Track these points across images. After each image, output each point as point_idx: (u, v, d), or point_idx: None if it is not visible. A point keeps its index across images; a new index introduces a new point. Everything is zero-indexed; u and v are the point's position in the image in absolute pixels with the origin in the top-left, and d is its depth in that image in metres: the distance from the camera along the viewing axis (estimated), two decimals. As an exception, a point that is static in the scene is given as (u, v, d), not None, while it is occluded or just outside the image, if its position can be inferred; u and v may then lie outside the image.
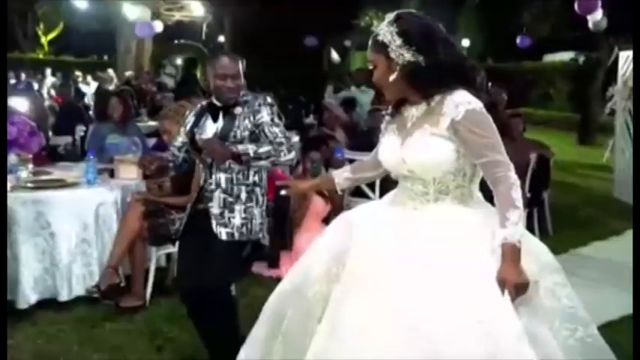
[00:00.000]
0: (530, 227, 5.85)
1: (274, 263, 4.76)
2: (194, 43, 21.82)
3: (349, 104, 7.35)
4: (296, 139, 6.60)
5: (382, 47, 2.10)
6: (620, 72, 8.04)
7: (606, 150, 12.03)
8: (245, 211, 3.07)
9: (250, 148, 2.93)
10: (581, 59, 17.55)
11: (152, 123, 7.14)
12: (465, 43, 19.34)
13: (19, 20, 26.35)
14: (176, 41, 22.72)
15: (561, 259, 5.32)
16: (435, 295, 1.92)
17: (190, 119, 3.20)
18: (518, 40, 16.11)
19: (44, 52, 28.61)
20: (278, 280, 4.52)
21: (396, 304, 1.94)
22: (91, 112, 8.49)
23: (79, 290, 3.90)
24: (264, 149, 2.96)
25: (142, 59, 14.82)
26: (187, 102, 4.35)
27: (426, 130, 2.09)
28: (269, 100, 3.16)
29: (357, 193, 5.32)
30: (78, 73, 17.19)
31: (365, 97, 8.20)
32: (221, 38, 22.27)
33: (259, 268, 4.79)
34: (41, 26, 28.55)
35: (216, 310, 3.01)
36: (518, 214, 1.97)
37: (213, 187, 3.06)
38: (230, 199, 3.05)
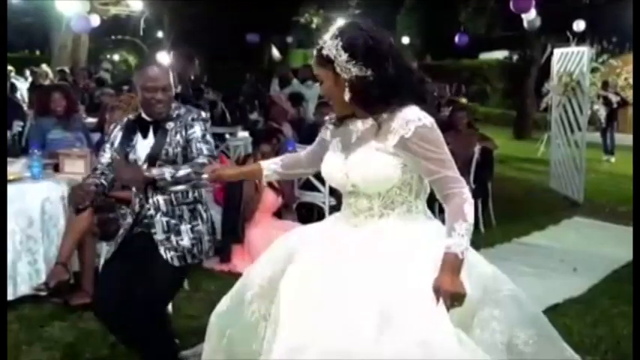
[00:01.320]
0: (474, 218, 6.04)
1: (226, 257, 4.73)
2: (132, 39, 21.31)
3: (296, 99, 7.37)
4: (245, 134, 6.57)
5: (327, 62, 2.01)
6: (555, 68, 8.33)
7: (541, 144, 12.49)
8: (192, 231, 2.87)
9: (167, 172, 2.73)
10: (515, 58, 18.17)
11: (91, 120, 6.94)
12: (405, 40, 19.67)
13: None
14: (113, 37, 22.15)
15: (505, 248, 5.63)
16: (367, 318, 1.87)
17: (116, 134, 2.97)
18: (456, 39, 16.49)
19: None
20: (230, 273, 4.55)
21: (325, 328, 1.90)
22: (25, 107, 8.20)
23: (24, 289, 3.76)
24: (183, 172, 2.74)
25: (78, 54, 14.37)
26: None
27: (371, 146, 2.04)
28: (203, 115, 2.99)
29: (307, 186, 5.33)
30: (10, 68, 16.51)
31: (311, 91, 8.24)
32: (160, 34, 21.82)
33: (211, 262, 4.72)
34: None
35: (154, 330, 2.83)
36: (466, 228, 1.92)
37: (152, 211, 2.84)
38: (174, 221, 2.84)
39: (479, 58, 21.61)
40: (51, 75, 13.28)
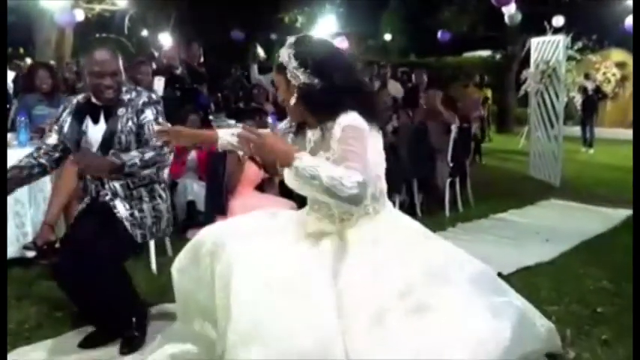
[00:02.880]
0: (452, 197, 6.22)
1: (209, 229, 4.83)
2: (117, 37, 21.27)
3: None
4: (232, 121, 6.68)
5: (281, 68, 2.16)
6: (533, 57, 8.54)
7: (522, 137, 12.71)
8: (154, 209, 2.95)
9: (136, 157, 2.77)
10: (498, 56, 18.41)
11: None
12: (388, 37, 19.86)
13: None
14: (98, 35, 22.08)
15: (483, 222, 5.80)
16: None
17: (65, 118, 2.93)
18: (439, 35, 16.68)
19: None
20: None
21: None
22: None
23: (12, 252, 3.85)
24: (149, 155, 2.80)
25: (62, 50, 14.39)
26: None
27: (321, 156, 2.12)
28: (154, 97, 3.00)
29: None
30: (-7, 63, 16.45)
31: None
32: (144, 32, 21.85)
33: (194, 234, 4.83)
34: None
35: (111, 287, 2.81)
36: (332, 175, 1.93)
37: (110, 196, 2.88)
38: (134, 202, 2.91)
39: (462, 55, 21.83)
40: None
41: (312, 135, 2.24)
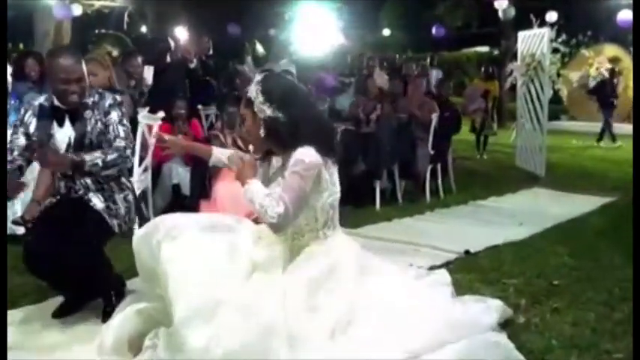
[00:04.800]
0: (434, 184, 6.39)
1: (194, 212, 5.01)
2: (116, 33, 21.48)
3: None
4: (212, 109, 6.86)
5: (249, 103, 2.45)
6: (520, 50, 8.70)
7: (513, 131, 12.86)
8: (125, 200, 3.07)
9: (99, 158, 2.86)
10: (496, 52, 18.56)
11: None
12: (386, 32, 20.00)
13: None
14: (97, 31, 22.30)
15: (460, 208, 5.99)
16: None
17: (29, 119, 2.98)
18: (433, 30, 16.83)
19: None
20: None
21: None
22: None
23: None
24: (112, 157, 2.90)
25: (60, 42, 14.55)
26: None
27: (278, 184, 2.43)
28: (118, 99, 3.08)
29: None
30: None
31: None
32: (144, 28, 22.03)
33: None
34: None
35: (94, 270, 2.92)
36: (261, 203, 2.32)
37: (83, 191, 2.99)
38: (106, 194, 3.02)
39: (460, 51, 22.00)
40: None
41: (276, 162, 2.54)
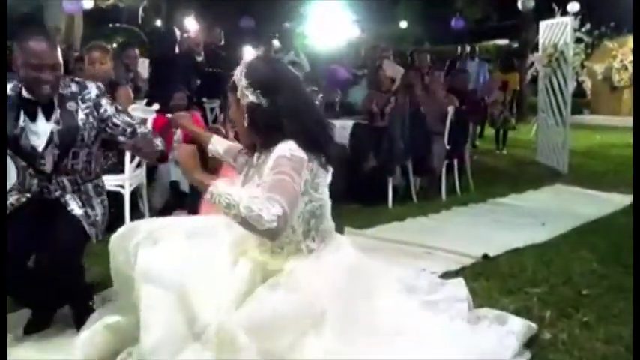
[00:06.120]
0: (451, 180, 6.06)
1: (194, 211, 4.74)
2: (129, 27, 21.38)
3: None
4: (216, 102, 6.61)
5: (234, 87, 2.15)
6: (541, 40, 8.32)
7: (533, 125, 12.46)
8: (102, 205, 2.79)
9: (158, 146, 2.73)
10: (515, 45, 18.12)
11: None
12: (403, 25, 19.67)
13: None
14: (111, 25, 22.22)
15: (479, 206, 5.64)
16: None
17: None
18: (452, 23, 16.49)
19: (-28, 38, 27.45)
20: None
21: None
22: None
23: None
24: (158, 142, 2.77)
25: (71, 37, 14.42)
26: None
27: (254, 182, 2.09)
28: (102, 86, 2.81)
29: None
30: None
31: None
32: (158, 22, 21.90)
33: (179, 215, 4.76)
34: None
35: (74, 280, 2.67)
36: (250, 206, 1.85)
37: (59, 192, 2.68)
38: (84, 197, 2.73)
39: (479, 44, 21.58)
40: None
41: (256, 159, 2.20)
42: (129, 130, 2.78)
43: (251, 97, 2.09)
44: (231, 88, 2.18)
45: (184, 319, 1.97)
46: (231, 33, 17.34)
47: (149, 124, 4.17)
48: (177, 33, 7.40)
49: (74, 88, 2.71)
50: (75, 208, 2.69)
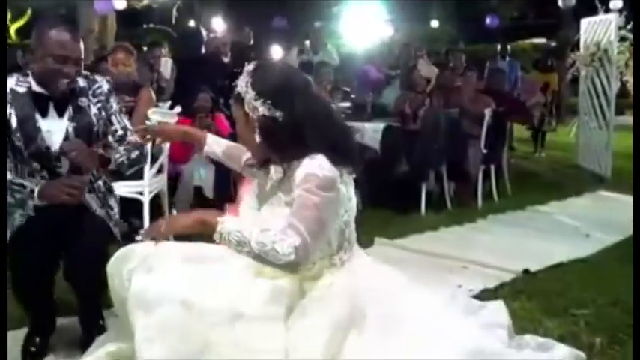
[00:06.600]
0: (488, 185, 5.78)
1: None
2: (162, 27, 21.52)
3: (306, 67, 7.21)
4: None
5: (239, 99, 1.87)
6: (582, 38, 7.96)
7: (573, 126, 12.05)
8: (116, 202, 2.68)
9: (124, 156, 2.52)
10: (553, 44, 17.63)
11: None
12: (435, 24, 19.33)
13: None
14: (145, 25, 22.40)
15: (517, 214, 5.37)
16: None
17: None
18: (487, 21, 16.11)
19: (11, 39, 27.99)
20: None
21: None
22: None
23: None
24: (135, 155, 2.56)
25: (104, 38, 14.47)
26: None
27: (280, 200, 1.87)
28: (111, 81, 2.67)
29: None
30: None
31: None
32: (192, 22, 21.98)
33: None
34: (8, 15, 27.95)
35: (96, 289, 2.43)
36: (262, 241, 1.72)
37: None
38: (100, 195, 2.58)
39: (514, 43, 21.08)
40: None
41: (274, 172, 1.91)
42: (119, 133, 2.60)
43: (262, 110, 1.82)
44: (235, 100, 1.90)
45: (192, 349, 1.75)
46: (262, 33, 17.30)
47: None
48: (204, 33, 7.25)
49: (82, 82, 2.54)
50: (97, 208, 2.56)
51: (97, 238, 2.47)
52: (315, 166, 1.79)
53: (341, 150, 1.86)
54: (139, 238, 1.93)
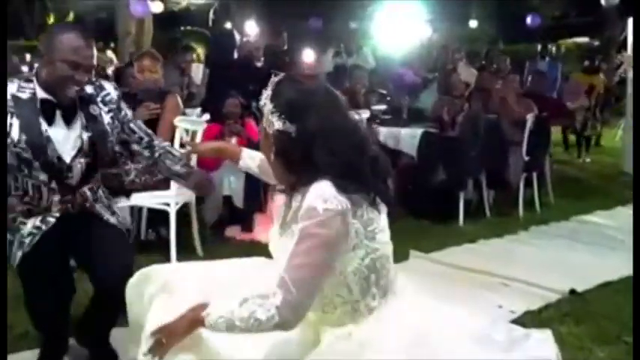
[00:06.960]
0: (529, 194, 5.53)
1: (248, 226, 4.46)
2: (199, 29, 21.63)
3: (340, 70, 7.11)
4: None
5: (261, 112, 1.75)
6: (630, 38, 7.63)
7: (619, 129, 11.61)
8: (120, 209, 2.68)
9: (138, 176, 2.65)
10: (596, 43, 17.13)
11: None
12: (474, 24, 18.98)
13: (27, 9, 26.40)
14: (182, 28, 22.56)
15: (561, 225, 5.10)
16: None
17: (10, 122, 2.27)
18: (528, 20, 15.71)
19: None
20: (251, 243, 4.27)
21: None
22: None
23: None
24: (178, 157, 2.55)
25: (141, 40, 14.55)
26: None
27: (293, 234, 1.64)
28: (118, 87, 2.56)
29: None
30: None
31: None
32: (228, 25, 22.05)
33: (232, 231, 4.50)
34: (51, 16, 28.57)
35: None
36: (243, 316, 1.55)
37: (88, 205, 2.41)
38: (106, 203, 2.50)
39: (556, 43, 20.56)
40: (116, 61, 13.52)
41: (294, 201, 1.71)
42: (146, 139, 2.53)
43: (277, 125, 1.66)
44: (260, 114, 1.80)
45: None
46: (297, 35, 17.23)
47: (199, 135, 3.91)
48: (237, 37, 7.14)
49: (90, 89, 2.40)
50: (110, 217, 2.46)
51: (121, 250, 2.39)
52: (317, 196, 1.57)
53: (355, 172, 1.63)
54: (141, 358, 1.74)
